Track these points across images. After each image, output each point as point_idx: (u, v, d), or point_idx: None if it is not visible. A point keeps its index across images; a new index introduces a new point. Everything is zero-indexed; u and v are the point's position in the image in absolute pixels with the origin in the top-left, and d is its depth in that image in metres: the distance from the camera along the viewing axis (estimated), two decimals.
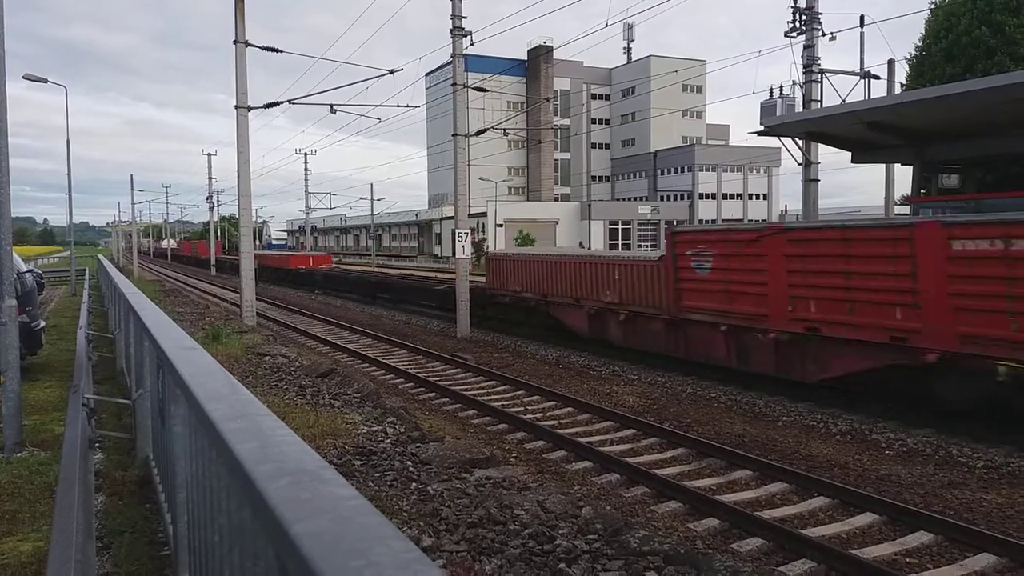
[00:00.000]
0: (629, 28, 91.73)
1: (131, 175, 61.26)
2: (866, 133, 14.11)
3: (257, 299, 21.92)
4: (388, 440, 8.23)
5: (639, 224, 70.51)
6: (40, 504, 5.65)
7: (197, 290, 40.29)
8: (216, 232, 66.39)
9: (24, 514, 5.50)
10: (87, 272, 36.53)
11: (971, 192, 14.83)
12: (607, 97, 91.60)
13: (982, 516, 7.41)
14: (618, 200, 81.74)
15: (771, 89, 23.99)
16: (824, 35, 21.25)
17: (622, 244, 68.81)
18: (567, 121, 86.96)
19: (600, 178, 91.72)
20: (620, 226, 69.31)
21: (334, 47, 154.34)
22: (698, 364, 14.39)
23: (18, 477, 6.32)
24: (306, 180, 64.17)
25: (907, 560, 6.49)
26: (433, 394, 13.45)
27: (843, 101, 20.72)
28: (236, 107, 19.62)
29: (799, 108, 22.08)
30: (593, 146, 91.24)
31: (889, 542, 6.84)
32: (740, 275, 12.70)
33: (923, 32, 30.80)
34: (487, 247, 55.18)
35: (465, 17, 20.43)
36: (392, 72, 21.82)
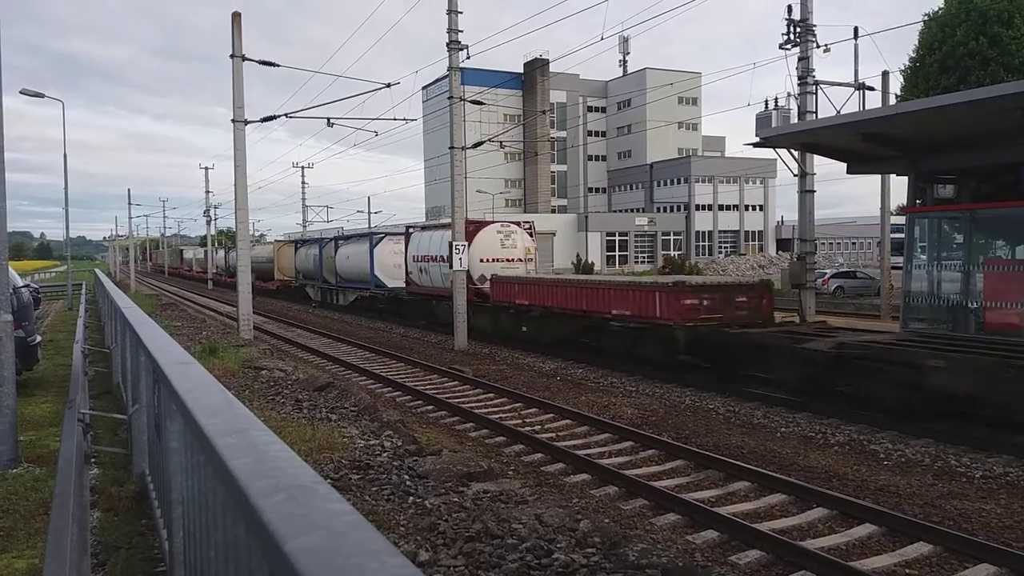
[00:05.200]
0: (624, 41, 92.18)
1: (128, 189, 61.26)
2: (861, 144, 14.13)
3: (254, 313, 21.90)
4: (385, 454, 8.21)
5: (636, 235, 70.65)
6: (35, 520, 5.62)
7: (194, 304, 40.24)
8: (212, 246, 66.29)
9: (19, 530, 5.47)
10: (84, 287, 36.47)
11: (966, 202, 14.86)
12: (603, 109, 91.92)
13: (981, 526, 7.40)
14: (615, 212, 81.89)
15: (766, 101, 24.13)
16: (818, 47, 21.36)
17: (619, 256, 68.96)
18: (563, 133, 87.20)
19: (597, 190, 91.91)
20: (617, 237, 69.44)
21: (334, 59, 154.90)
22: (694, 372, 14.53)
23: (13, 493, 6.28)
24: (303, 193, 64.22)
25: (907, 571, 6.47)
26: (431, 407, 13.42)
27: (838, 112, 20.81)
28: (233, 121, 19.66)
29: (794, 119, 22.18)
30: (589, 158, 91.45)
31: (888, 553, 6.82)
32: None
33: (917, 43, 31.01)
34: None
35: (462, 31, 20.55)
36: (389, 85, 21.90)
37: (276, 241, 54.36)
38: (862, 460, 9.72)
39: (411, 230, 28.28)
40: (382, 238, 31.69)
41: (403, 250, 28.00)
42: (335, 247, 35.92)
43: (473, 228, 23.27)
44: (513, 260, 23.89)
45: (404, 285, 27.80)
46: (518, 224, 25.20)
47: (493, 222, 25.19)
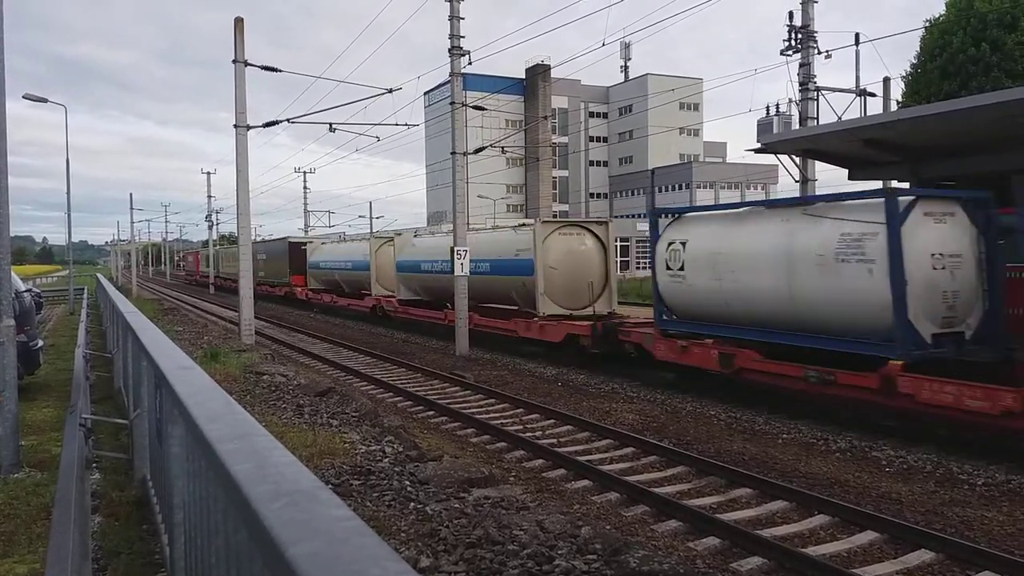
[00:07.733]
0: (626, 47, 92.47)
1: (130, 194, 61.14)
2: (862, 150, 14.15)
3: (256, 318, 21.92)
4: (386, 459, 8.20)
5: (637, 241, 70.72)
6: (36, 525, 5.61)
7: (196, 309, 40.26)
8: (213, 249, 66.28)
9: (20, 535, 5.47)
10: (86, 291, 36.50)
11: None
12: (605, 115, 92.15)
13: (983, 534, 7.38)
14: (616, 217, 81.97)
15: (768, 107, 24.19)
16: (820, 53, 21.41)
17: (620, 261, 68.98)
18: (565, 139, 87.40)
19: (598, 195, 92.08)
20: (619, 243, 69.48)
21: (338, 63, 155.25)
22: (696, 380, 14.49)
23: (15, 498, 6.28)
24: (305, 198, 64.31)
25: None
26: (432, 412, 13.41)
27: (839, 118, 20.83)
28: (235, 126, 19.71)
29: (795, 125, 22.21)
30: (591, 164, 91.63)
31: (890, 560, 6.80)
32: None
33: (918, 50, 31.05)
34: None
35: (463, 36, 20.60)
36: (391, 91, 21.94)
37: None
38: (864, 467, 9.70)
39: None
40: None
41: None
42: None
43: None
44: None
45: None
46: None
47: None
